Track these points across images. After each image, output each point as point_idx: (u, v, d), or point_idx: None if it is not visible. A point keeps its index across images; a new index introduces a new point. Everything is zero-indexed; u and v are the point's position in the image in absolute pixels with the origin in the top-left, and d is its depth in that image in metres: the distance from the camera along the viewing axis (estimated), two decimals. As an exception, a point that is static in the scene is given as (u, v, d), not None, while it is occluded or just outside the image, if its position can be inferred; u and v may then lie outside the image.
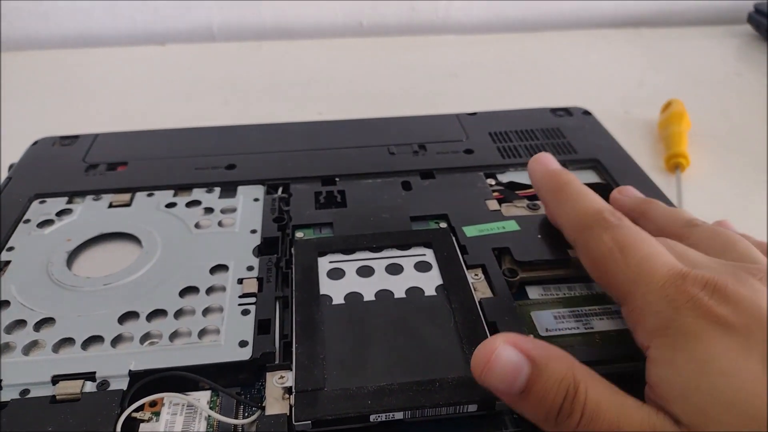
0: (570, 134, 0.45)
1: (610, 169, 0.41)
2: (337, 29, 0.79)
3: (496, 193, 0.39)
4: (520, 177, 0.41)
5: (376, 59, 0.74)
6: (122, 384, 0.27)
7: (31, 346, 0.29)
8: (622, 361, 0.29)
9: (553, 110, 0.48)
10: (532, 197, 0.39)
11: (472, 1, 0.79)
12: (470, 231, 0.36)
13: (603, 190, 0.40)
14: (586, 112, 0.48)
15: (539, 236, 0.35)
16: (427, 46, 0.77)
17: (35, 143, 0.45)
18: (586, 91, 0.66)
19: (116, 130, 0.46)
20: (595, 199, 0.30)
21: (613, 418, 0.22)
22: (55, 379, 0.27)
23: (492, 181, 0.40)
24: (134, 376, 0.27)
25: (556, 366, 0.23)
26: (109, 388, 0.27)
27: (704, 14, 0.83)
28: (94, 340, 0.29)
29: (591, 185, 0.40)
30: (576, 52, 0.77)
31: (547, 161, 0.34)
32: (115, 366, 0.27)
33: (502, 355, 0.23)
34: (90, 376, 0.27)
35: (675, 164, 0.52)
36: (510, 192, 0.40)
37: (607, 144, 0.44)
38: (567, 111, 0.48)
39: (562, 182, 0.32)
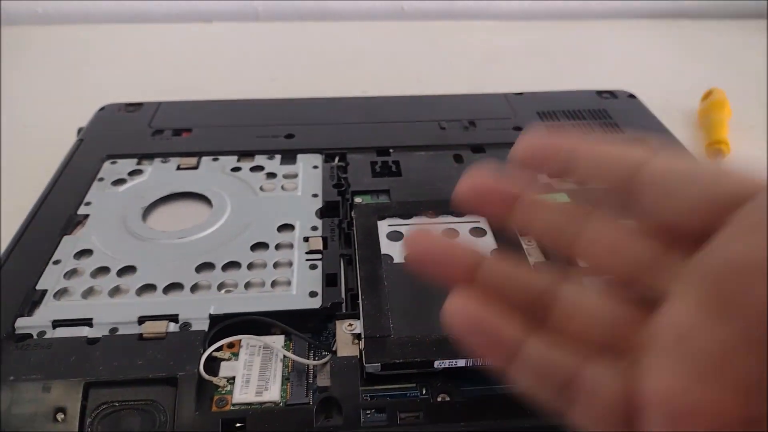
0: (616, 116, 0.46)
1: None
2: (378, 12, 0.80)
3: (545, 168, 0.41)
4: (568, 153, 0.42)
5: (416, 42, 0.75)
6: (203, 326, 0.29)
7: (115, 291, 0.31)
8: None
9: (599, 92, 0.50)
10: (581, 173, 0.40)
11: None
12: (522, 201, 0.37)
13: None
14: (631, 96, 0.50)
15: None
16: (468, 31, 0.78)
17: (102, 109, 0.47)
18: (626, 79, 0.67)
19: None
20: None
21: None
22: (141, 320, 0.29)
23: (541, 157, 0.42)
24: (214, 319, 0.29)
25: None
26: (192, 329, 0.29)
27: (744, 8, 0.83)
28: (174, 287, 0.31)
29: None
30: (615, 41, 0.77)
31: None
32: (195, 310, 0.29)
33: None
34: (173, 318, 0.29)
35: (716, 151, 0.53)
36: (559, 167, 0.41)
37: (654, 126, 0.45)
38: (612, 94, 0.50)
39: None
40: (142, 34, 0.76)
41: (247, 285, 0.31)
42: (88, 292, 0.31)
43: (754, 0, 0.83)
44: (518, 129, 0.44)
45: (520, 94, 0.50)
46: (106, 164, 0.41)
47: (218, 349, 0.28)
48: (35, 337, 0.29)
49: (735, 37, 0.78)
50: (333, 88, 0.64)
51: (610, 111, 0.47)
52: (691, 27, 0.81)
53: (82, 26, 0.77)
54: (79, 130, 0.45)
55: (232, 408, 0.26)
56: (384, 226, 0.35)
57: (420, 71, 0.68)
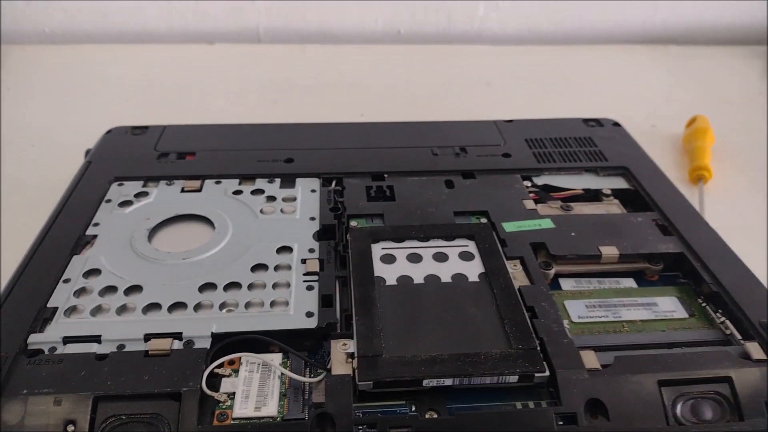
0: (601, 143, 0.48)
1: (638, 176, 0.44)
2: (376, 36, 0.83)
3: (532, 194, 0.43)
4: (554, 180, 0.44)
5: (413, 66, 0.78)
6: (205, 343, 0.31)
7: (122, 309, 0.33)
8: (646, 347, 0.32)
9: (585, 120, 0.52)
10: (566, 199, 0.43)
11: (506, 13, 0.83)
12: (509, 227, 0.39)
13: (632, 196, 0.44)
14: (616, 124, 0.52)
15: (573, 234, 0.38)
16: (462, 55, 0.80)
17: (109, 132, 0.49)
18: (614, 104, 0.69)
19: (169, 123, 0.50)
20: None
21: None
22: (147, 337, 0.31)
23: (528, 183, 0.44)
24: (216, 337, 0.31)
25: None
26: (195, 347, 0.30)
27: (730, 35, 0.86)
28: (179, 306, 0.33)
29: (620, 191, 0.44)
30: (605, 66, 0.80)
31: None
32: (198, 328, 0.31)
33: None
34: (177, 336, 0.31)
35: (698, 176, 0.55)
36: (545, 194, 0.43)
37: (636, 153, 0.47)
38: (598, 122, 0.52)
39: None
40: (146, 54, 0.78)
41: (248, 305, 0.33)
42: (97, 310, 0.33)
43: (740, 26, 0.86)
44: (507, 156, 0.47)
45: (510, 121, 0.52)
46: (113, 186, 0.42)
47: (219, 366, 0.30)
48: (46, 352, 0.30)
49: (721, 64, 0.80)
50: (331, 110, 0.67)
51: (595, 139, 0.49)
52: (678, 53, 0.83)
53: (87, 46, 0.79)
54: (87, 152, 0.47)
55: (232, 422, 0.28)
56: (378, 249, 0.37)
57: (415, 94, 0.71)
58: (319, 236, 0.38)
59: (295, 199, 0.41)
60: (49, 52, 0.78)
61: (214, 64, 0.77)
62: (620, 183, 0.45)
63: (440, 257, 0.37)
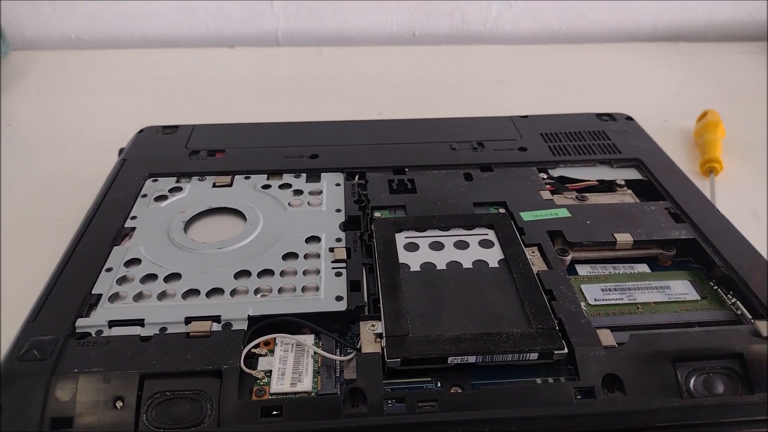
0: (614, 137, 0.50)
1: (651, 168, 0.46)
2: (391, 38, 0.85)
3: (548, 186, 0.44)
4: (569, 172, 0.46)
5: (428, 66, 0.79)
6: (243, 325, 0.33)
7: (163, 295, 0.35)
8: (660, 327, 0.34)
9: (599, 115, 0.53)
10: (581, 190, 0.44)
11: (519, 13, 0.84)
12: (527, 216, 0.41)
13: (645, 186, 0.45)
14: (629, 118, 0.53)
15: (588, 222, 0.40)
16: (476, 55, 0.82)
17: (141, 131, 0.51)
18: (626, 101, 0.71)
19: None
20: None
21: None
22: (188, 320, 0.33)
23: (544, 175, 0.46)
24: (252, 319, 0.33)
25: None
26: (233, 329, 0.32)
27: (739, 31, 0.87)
28: (216, 291, 0.35)
29: (633, 182, 0.45)
30: (617, 64, 0.81)
31: None
32: (235, 311, 0.33)
33: None
34: (216, 319, 0.33)
35: (709, 169, 0.56)
36: (561, 185, 0.45)
37: (649, 146, 0.49)
38: (611, 116, 0.53)
39: None
40: (168, 58, 0.80)
41: (281, 290, 0.35)
42: (139, 296, 0.35)
43: (749, 23, 0.87)
44: (523, 150, 0.48)
45: (525, 116, 0.53)
46: (148, 182, 0.45)
47: (256, 346, 0.32)
48: (94, 335, 0.32)
49: (730, 60, 0.81)
50: (349, 110, 0.69)
51: (608, 133, 0.50)
52: (688, 50, 0.84)
53: (112, 51, 0.82)
54: (120, 151, 0.49)
55: (269, 397, 0.30)
56: (401, 238, 0.39)
57: (431, 93, 0.72)
58: (345, 227, 0.40)
59: (320, 192, 0.43)
60: (75, 57, 0.80)
61: (234, 66, 0.79)
62: (633, 174, 0.46)
63: (461, 245, 0.38)
